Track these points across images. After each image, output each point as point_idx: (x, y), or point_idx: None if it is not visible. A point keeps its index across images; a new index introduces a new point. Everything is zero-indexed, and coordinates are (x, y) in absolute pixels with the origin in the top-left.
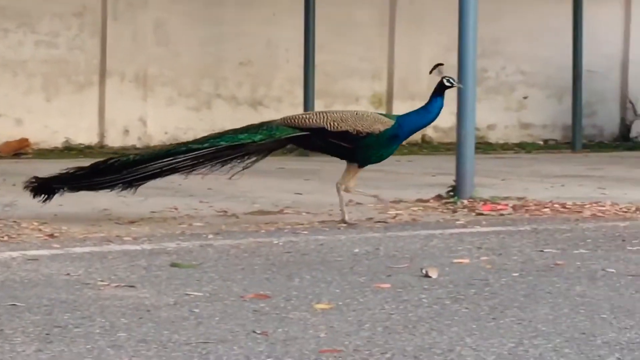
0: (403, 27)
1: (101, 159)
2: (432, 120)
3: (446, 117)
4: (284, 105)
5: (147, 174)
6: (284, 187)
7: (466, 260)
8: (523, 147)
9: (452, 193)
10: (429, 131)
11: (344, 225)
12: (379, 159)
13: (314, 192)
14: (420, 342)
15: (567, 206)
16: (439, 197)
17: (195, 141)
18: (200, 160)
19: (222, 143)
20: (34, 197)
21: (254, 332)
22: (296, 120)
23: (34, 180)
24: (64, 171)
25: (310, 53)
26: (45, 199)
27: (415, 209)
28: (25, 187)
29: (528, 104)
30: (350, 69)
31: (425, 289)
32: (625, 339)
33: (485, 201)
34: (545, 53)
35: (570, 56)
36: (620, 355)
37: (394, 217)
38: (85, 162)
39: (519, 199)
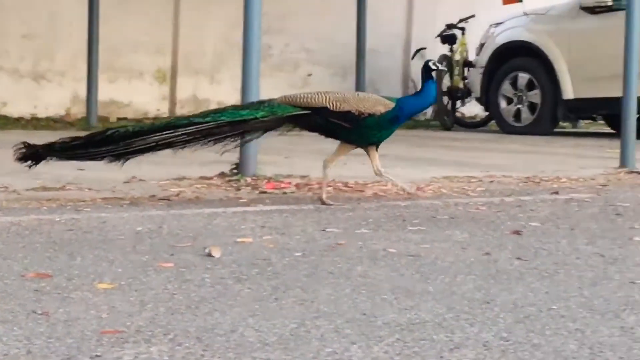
0: (188, 3)
1: (98, 130)
2: (431, 104)
3: (230, 93)
4: (67, 79)
5: (143, 146)
6: (66, 163)
7: (249, 240)
8: None
9: (235, 171)
10: (213, 106)
11: (323, 205)
12: (378, 139)
13: (97, 169)
14: (202, 323)
15: (350, 185)
16: (222, 175)
17: (196, 115)
18: (198, 135)
19: (223, 118)
20: (20, 162)
21: (35, 312)
22: (298, 99)
23: (22, 146)
24: (59, 140)
25: (94, 27)
26: (31, 166)
27: (198, 186)
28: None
29: (312, 81)
30: (135, 43)
31: (208, 269)
32: (405, 319)
33: (268, 179)
34: (330, 31)
35: (354, 35)
36: (401, 335)
37: (177, 195)
38: None
39: (302, 177)
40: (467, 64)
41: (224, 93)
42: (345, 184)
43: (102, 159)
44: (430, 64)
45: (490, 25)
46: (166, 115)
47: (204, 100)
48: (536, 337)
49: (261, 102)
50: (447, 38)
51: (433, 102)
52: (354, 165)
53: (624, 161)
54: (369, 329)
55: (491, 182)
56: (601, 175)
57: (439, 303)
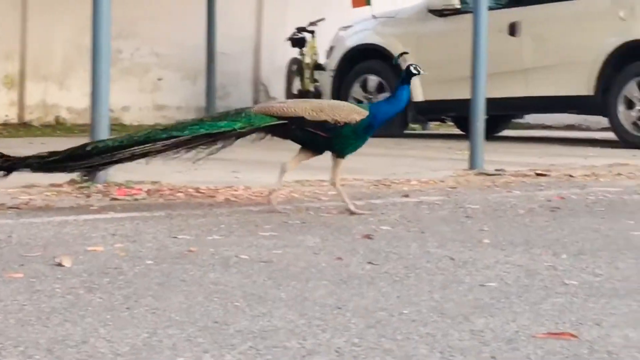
0: (36, 7)
1: (76, 146)
2: (403, 109)
3: (80, 99)
4: None
5: (119, 158)
6: None
7: (100, 248)
8: None
9: (86, 177)
10: (62, 112)
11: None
12: (354, 148)
13: None
14: (53, 334)
15: (201, 190)
16: (72, 182)
17: (174, 128)
18: (173, 147)
19: (202, 130)
20: None
21: None
22: (275, 109)
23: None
24: (36, 155)
25: None
26: (2, 176)
27: (48, 193)
28: None
29: (162, 85)
30: None
31: (59, 279)
32: (258, 326)
33: (119, 186)
34: (180, 35)
35: (204, 38)
36: (253, 343)
37: (27, 203)
38: None
39: (154, 183)
40: (317, 67)
41: (74, 98)
42: (197, 189)
43: (77, 171)
44: (412, 68)
45: (340, 29)
46: (15, 121)
47: (53, 106)
48: (387, 342)
49: (238, 113)
50: (297, 41)
51: (405, 106)
52: (205, 171)
53: (473, 163)
54: (221, 337)
55: (342, 185)
56: (451, 177)
57: (291, 309)
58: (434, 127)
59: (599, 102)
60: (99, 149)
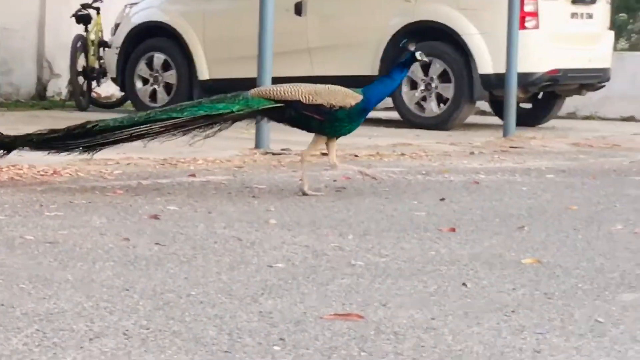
0: None
1: (78, 123)
2: (396, 88)
3: None
4: None
5: (118, 138)
6: None
7: None
8: None
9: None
10: None
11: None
12: (348, 131)
13: None
14: None
15: None
16: None
17: (173, 109)
18: (171, 128)
19: (201, 112)
20: None
21: None
22: (272, 92)
23: None
24: (37, 132)
25: None
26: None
27: None
28: None
29: None
30: None
31: None
32: (44, 309)
33: None
34: None
35: None
36: (40, 326)
37: None
38: None
39: None
40: (103, 44)
41: None
42: None
43: (76, 150)
44: (418, 54)
45: (126, 6)
46: None
47: None
48: (176, 324)
49: (235, 96)
50: (82, 18)
51: (397, 86)
52: None
53: (258, 142)
54: (7, 319)
55: (128, 164)
56: (237, 157)
57: (78, 291)
58: None
59: None
60: (100, 127)
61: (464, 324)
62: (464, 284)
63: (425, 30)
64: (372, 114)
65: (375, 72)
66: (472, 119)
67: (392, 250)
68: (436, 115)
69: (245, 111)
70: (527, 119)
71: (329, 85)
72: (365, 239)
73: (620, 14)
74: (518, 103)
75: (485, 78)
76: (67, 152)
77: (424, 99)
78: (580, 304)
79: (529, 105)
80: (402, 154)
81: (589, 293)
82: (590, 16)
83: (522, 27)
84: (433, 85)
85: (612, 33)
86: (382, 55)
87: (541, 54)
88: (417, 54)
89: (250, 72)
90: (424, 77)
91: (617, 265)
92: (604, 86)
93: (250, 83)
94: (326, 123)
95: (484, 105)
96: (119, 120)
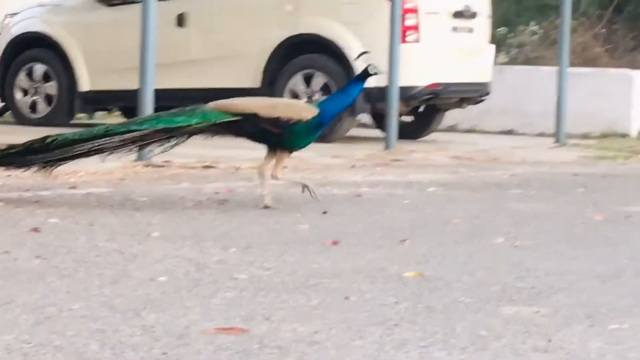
0: None
1: (37, 138)
2: (351, 103)
3: None
4: None
5: (77, 153)
6: None
7: None
8: None
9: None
10: None
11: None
12: (305, 145)
13: None
14: None
15: None
16: None
17: (132, 122)
18: (129, 142)
19: (159, 125)
20: None
21: None
22: (230, 106)
23: None
24: None
25: None
26: None
27: None
28: None
29: None
30: None
31: None
32: None
33: None
34: None
35: None
36: None
37: None
38: None
39: None
40: None
41: None
42: None
43: (35, 165)
44: (370, 69)
45: (6, 16)
46: None
47: None
48: (58, 339)
49: (193, 109)
50: None
51: (352, 101)
52: None
53: (140, 154)
54: None
55: (9, 176)
56: (119, 169)
57: None
58: (101, 116)
59: (265, 95)
60: (59, 142)
61: (347, 337)
62: (346, 298)
63: (308, 43)
64: None
65: (258, 85)
66: (354, 131)
67: (275, 264)
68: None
69: (203, 124)
70: (408, 132)
71: (286, 99)
72: (248, 252)
73: (500, 28)
74: (399, 116)
75: (367, 91)
76: (26, 168)
77: None
78: (462, 317)
79: (410, 119)
80: (284, 167)
81: (470, 306)
82: (471, 30)
83: (404, 40)
84: (315, 97)
85: (492, 47)
86: (264, 67)
87: (422, 67)
88: (370, 69)
89: (132, 84)
90: (306, 90)
91: (498, 279)
92: (484, 100)
93: (133, 95)
94: (283, 136)
95: (365, 118)
96: (78, 134)
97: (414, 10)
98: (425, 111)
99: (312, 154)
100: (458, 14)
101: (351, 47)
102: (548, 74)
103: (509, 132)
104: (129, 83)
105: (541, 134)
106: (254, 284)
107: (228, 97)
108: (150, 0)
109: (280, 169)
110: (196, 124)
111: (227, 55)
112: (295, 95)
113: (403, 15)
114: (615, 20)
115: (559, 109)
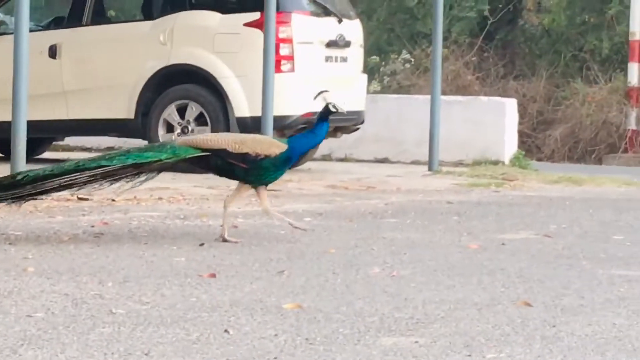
0: None
1: (6, 175)
2: (320, 143)
3: None
4: None
5: (47, 188)
6: None
7: None
8: None
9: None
10: None
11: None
12: (272, 179)
13: None
14: None
15: None
16: None
17: (102, 158)
18: (99, 177)
19: (129, 160)
20: None
21: None
22: (198, 141)
23: None
24: None
25: None
26: None
27: None
28: None
29: None
30: None
31: None
32: None
33: None
34: None
35: None
36: None
37: None
38: None
39: None
40: None
41: None
42: None
43: (5, 201)
44: (331, 107)
45: None
46: None
47: None
48: None
49: (163, 145)
50: None
51: (321, 141)
52: None
53: None
54: None
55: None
56: None
57: None
58: None
59: (138, 126)
60: (30, 178)
61: None
62: (226, 331)
63: (182, 73)
64: None
65: (132, 116)
66: None
67: (153, 297)
68: None
69: (172, 160)
70: None
71: (255, 135)
72: (125, 286)
73: (373, 57)
74: None
75: (242, 121)
76: None
77: None
78: (342, 348)
79: None
80: (160, 198)
81: (349, 338)
82: (344, 59)
83: (278, 70)
84: (190, 128)
85: (365, 76)
86: (137, 98)
87: (297, 97)
88: (330, 107)
89: (5, 116)
90: (180, 121)
91: (376, 309)
92: (358, 128)
93: (6, 126)
94: (250, 171)
95: None
96: (48, 169)
97: (288, 40)
98: None
99: (188, 185)
100: (332, 43)
101: (226, 76)
102: (421, 102)
103: (384, 161)
104: (2, 115)
105: (415, 162)
106: (132, 318)
107: (102, 128)
108: (22, 32)
109: (266, 202)
110: (166, 159)
111: (100, 86)
112: (169, 126)
113: (277, 45)
114: (486, 48)
115: (431, 136)
